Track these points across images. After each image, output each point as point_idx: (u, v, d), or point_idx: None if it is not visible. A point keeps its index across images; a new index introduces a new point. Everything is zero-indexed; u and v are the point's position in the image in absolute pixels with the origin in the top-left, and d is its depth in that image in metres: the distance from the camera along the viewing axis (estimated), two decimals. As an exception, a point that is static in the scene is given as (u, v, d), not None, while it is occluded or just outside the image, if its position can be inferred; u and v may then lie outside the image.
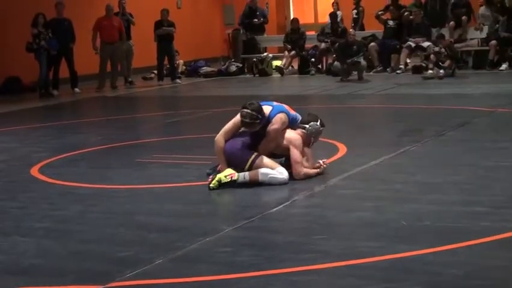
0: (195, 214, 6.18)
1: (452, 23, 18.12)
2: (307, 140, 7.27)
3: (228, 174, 6.91)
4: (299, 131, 7.26)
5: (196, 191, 6.97)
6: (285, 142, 7.16)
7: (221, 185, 6.88)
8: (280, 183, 6.95)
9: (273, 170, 7.00)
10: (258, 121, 7.04)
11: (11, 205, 6.85)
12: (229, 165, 7.05)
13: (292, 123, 7.30)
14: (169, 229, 5.78)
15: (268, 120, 7.12)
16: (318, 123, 7.29)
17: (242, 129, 7.19)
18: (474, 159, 7.73)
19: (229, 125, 7.20)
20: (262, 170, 6.98)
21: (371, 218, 5.82)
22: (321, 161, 7.26)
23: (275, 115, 7.15)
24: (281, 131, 7.17)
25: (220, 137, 7.12)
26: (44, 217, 6.34)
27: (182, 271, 4.79)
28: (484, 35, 17.90)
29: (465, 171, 7.20)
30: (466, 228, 5.39)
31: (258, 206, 6.37)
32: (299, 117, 7.39)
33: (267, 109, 7.16)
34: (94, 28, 17.67)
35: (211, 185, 6.88)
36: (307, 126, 7.23)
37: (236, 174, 6.93)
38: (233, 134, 7.16)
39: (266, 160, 7.07)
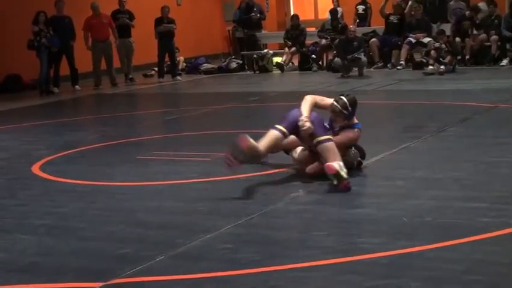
0: (195, 211, 6.18)
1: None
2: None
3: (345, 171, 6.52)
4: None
5: (197, 188, 6.97)
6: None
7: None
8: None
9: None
10: (346, 112, 7.02)
11: (11, 203, 6.85)
12: (295, 130, 6.85)
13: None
14: (169, 226, 5.78)
15: (351, 125, 7.11)
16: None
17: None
18: (475, 155, 7.72)
19: (321, 98, 7.14)
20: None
21: (372, 214, 5.82)
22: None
23: (359, 128, 7.13)
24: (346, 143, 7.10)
25: (311, 97, 7.04)
26: (45, 214, 6.35)
27: (182, 268, 4.79)
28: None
29: (466, 167, 7.20)
30: (466, 224, 5.39)
31: (258, 202, 6.36)
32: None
33: (355, 119, 7.17)
34: (84, 28, 17.66)
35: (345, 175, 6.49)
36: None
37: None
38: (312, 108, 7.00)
39: (333, 148, 6.76)
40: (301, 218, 5.88)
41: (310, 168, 7.05)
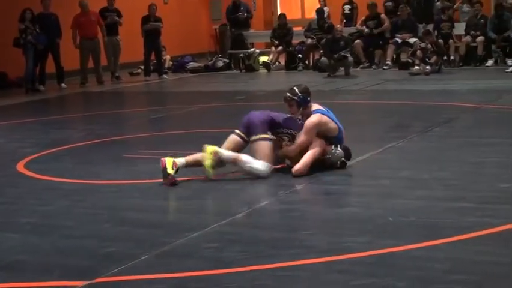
0: (181, 210, 6.18)
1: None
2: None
3: (211, 151, 6.98)
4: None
5: (182, 187, 6.96)
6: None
7: (214, 166, 6.96)
8: (258, 176, 6.99)
9: (256, 161, 7.03)
10: (296, 99, 7.25)
11: (-4, 200, 6.83)
12: (247, 128, 7.26)
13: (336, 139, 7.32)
14: (155, 225, 5.78)
15: (311, 113, 7.27)
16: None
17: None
18: (460, 155, 7.75)
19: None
20: (244, 158, 7.06)
21: (357, 213, 5.83)
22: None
23: (320, 113, 7.26)
24: (315, 133, 7.20)
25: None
26: (30, 212, 6.33)
27: (168, 267, 4.79)
28: (461, 31, 17.94)
29: (451, 167, 7.22)
30: (451, 223, 5.42)
31: (244, 202, 6.37)
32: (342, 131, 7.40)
33: (316, 107, 7.35)
34: (72, 26, 17.58)
35: (210, 172, 6.96)
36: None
37: (219, 150, 7.04)
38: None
39: (263, 149, 7.11)
40: (287, 217, 5.89)
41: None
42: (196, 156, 7.14)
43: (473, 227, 5.26)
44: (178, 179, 6.99)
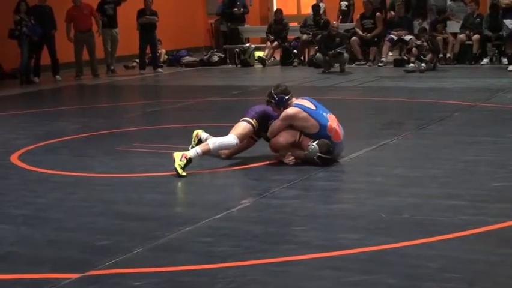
0: (175, 203, 6.19)
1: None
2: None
3: (180, 156, 7.08)
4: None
5: (176, 181, 6.96)
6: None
7: (185, 167, 7.06)
8: (228, 146, 7.44)
9: (221, 137, 7.42)
10: (273, 101, 7.48)
11: (-11, 192, 6.82)
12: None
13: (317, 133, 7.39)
14: (148, 218, 5.77)
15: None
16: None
17: None
18: (454, 153, 7.76)
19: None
20: (210, 140, 7.44)
21: (351, 210, 5.84)
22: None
23: (297, 107, 7.42)
24: (288, 123, 7.41)
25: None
26: (23, 204, 6.32)
27: (161, 260, 4.79)
28: (456, 29, 17.95)
29: (445, 165, 7.23)
30: (444, 221, 5.42)
31: (237, 196, 6.38)
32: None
33: (298, 101, 7.50)
34: (66, 20, 17.54)
35: (182, 173, 7.01)
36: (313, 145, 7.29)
37: (188, 153, 7.14)
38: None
39: (238, 126, 7.52)
40: (280, 212, 5.89)
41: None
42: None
43: (467, 225, 5.27)
44: (173, 173, 7.00)
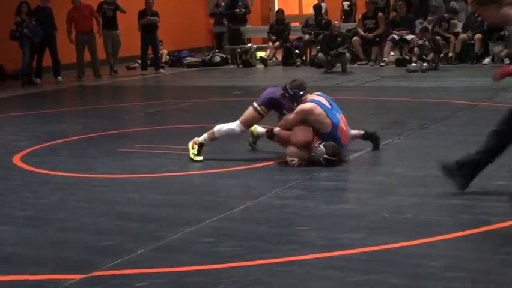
0: (177, 204, 6.18)
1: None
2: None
3: (192, 144, 7.68)
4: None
5: (178, 181, 6.97)
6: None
7: (198, 152, 7.54)
8: (232, 134, 7.72)
9: (228, 123, 7.72)
10: (287, 95, 7.47)
11: (-9, 193, 6.81)
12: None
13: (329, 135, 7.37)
14: (150, 219, 5.77)
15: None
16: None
17: None
18: (456, 153, 7.71)
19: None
20: (216, 128, 7.74)
21: (353, 210, 5.83)
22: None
23: (313, 102, 7.42)
24: (302, 118, 7.39)
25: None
26: (25, 205, 6.32)
27: (163, 261, 4.78)
28: (458, 28, 17.95)
29: (447, 164, 7.20)
30: (447, 221, 5.42)
31: (240, 196, 6.37)
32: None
33: (314, 97, 7.51)
34: (67, 21, 17.53)
35: (198, 159, 7.59)
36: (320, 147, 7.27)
37: (198, 139, 7.70)
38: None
39: (246, 112, 7.72)
40: (283, 212, 5.88)
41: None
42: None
43: (469, 225, 5.27)
44: (175, 174, 6.99)
